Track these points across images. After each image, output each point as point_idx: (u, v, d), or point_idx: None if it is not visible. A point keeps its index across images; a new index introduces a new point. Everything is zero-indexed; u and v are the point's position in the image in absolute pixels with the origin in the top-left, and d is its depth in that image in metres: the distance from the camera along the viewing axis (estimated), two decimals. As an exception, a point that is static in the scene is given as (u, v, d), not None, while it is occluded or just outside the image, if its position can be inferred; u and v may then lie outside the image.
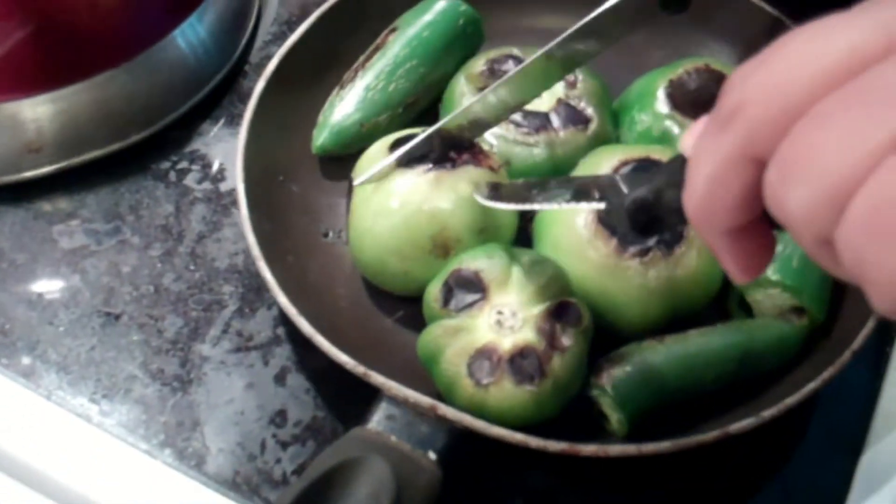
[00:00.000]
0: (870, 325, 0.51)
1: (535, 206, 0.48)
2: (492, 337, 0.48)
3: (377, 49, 0.61)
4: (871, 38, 0.26)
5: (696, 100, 0.58)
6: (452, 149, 0.54)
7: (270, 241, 0.53)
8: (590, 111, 0.59)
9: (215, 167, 0.63)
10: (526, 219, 0.56)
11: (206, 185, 0.62)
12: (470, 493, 0.52)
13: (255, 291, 0.58)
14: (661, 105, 0.58)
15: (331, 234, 0.59)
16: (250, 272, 0.58)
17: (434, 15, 0.61)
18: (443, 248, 0.53)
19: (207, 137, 0.65)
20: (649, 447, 0.47)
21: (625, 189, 0.41)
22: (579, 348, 0.49)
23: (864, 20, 0.27)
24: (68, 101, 0.61)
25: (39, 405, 0.53)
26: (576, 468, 0.52)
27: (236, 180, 0.55)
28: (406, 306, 0.55)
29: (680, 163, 0.34)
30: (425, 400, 0.46)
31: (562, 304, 0.49)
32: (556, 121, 0.58)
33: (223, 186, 0.62)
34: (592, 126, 0.58)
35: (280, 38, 0.69)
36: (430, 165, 0.53)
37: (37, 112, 0.60)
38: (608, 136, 0.59)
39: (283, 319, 0.56)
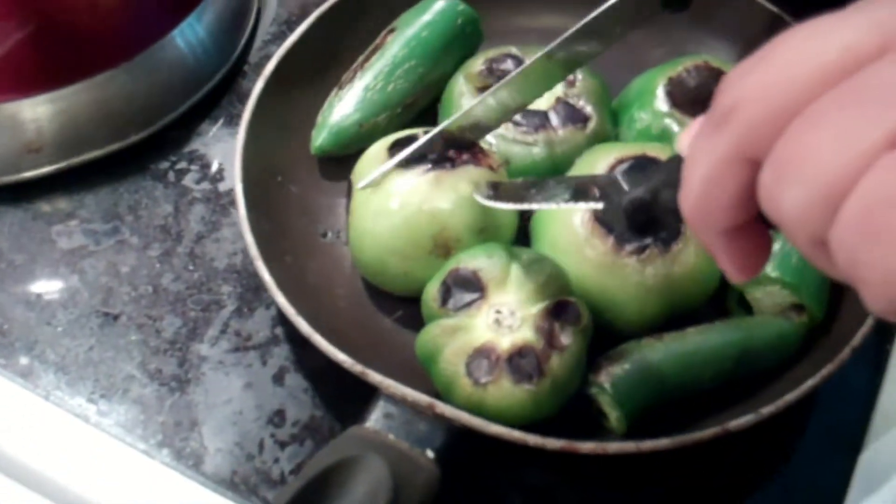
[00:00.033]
0: (869, 323, 0.51)
1: (535, 206, 0.48)
2: (490, 336, 0.48)
3: (376, 49, 0.61)
4: (866, 37, 0.26)
5: (695, 98, 0.58)
6: (452, 148, 0.54)
7: (269, 241, 0.53)
8: (589, 109, 0.59)
9: (214, 167, 0.63)
10: (525, 218, 0.56)
11: (205, 185, 0.62)
12: (468, 492, 0.52)
13: (253, 291, 0.58)
14: (661, 103, 0.58)
15: (329, 234, 0.59)
16: (249, 272, 0.58)
17: (433, 15, 0.61)
18: (443, 248, 0.53)
19: (206, 137, 0.65)
20: (648, 444, 0.47)
21: (626, 187, 0.40)
22: (578, 347, 0.49)
23: (858, 19, 0.27)
24: (68, 101, 0.61)
25: (37, 405, 0.53)
26: (574, 466, 0.52)
27: (235, 180, 0.55)
28: (405, 306, 0.55)
29: (677, 163, 0.34)
30: (423, 398, 0.46)
31: (561, 303, 0.49)
32: (555, 119, 0.58)
33: (222, 186, 0.62)
34: (591, 124, 0.58)
35: (279, 38, 0.69)
36: (430, 165, 0.53)
37: (36, 112, 0.61)
38: (607, 135, 0.59)
39: (282, 319, 0.56)
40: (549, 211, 0.54)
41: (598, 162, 0.54)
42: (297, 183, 0.59)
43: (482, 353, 0.48)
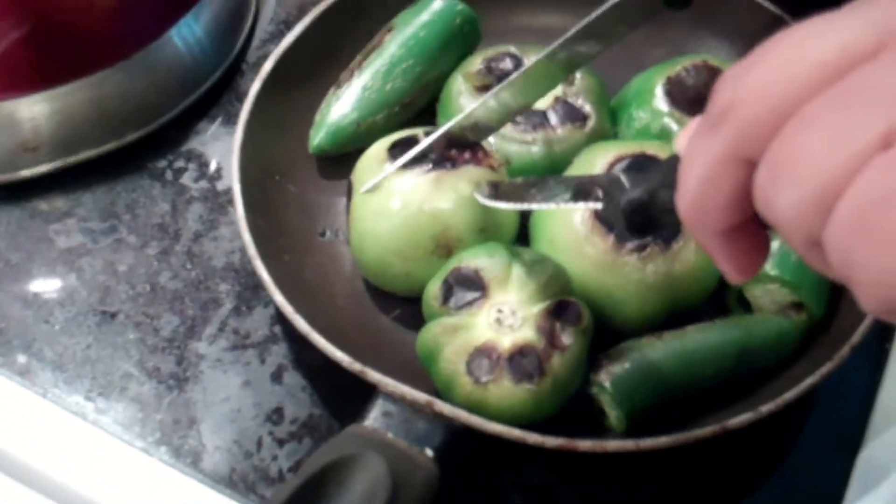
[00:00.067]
0: (868, 321, 0.51)
1: (535, 206, 0.48)
2: (491, 335, 0.48)
3: (374, 48, 0.61)
4: (862, 37, 0.26)
5: (694, 97, 0.58)
6: (453, 148, 0.54)
7: (267, 240, 0.53)
8: (588, 108, 0.59)
9: (212, 166, 0.63)
10: (526, 217, 0.56)
11: (203, 183, 0.62)
12: (467, 490, 0.52)
13: (251, 290, 0.58)
14: (660, 102, 0.58)
15: (328, 232, 0.59)
16: (247, 271, 0.58)
17: (431, 14, 0.61)
18: (445, 249, 0.53)
19: (204, 136, 0.65)
20: (647, 442, 0.47)
21: (627, 184, 0.40)
22: (579, 347, 0.49)
23: (854, 19, 0.27)
24: (65, 100, 0.61)
25: (35, 403, 0.53)
26: (573, 464, 0.52)
27: (232, 179, 0.54)
28: (404, 305, 0.55)
29: (675, 163, 0.34)
30: (422, 396, 0.46)
31: (562, 302, 0.49)
32: (553, 118, 0.58)
33: (220, 185, 0.62)
34: (590, 123, 0.58)
35: (277, 37, 0.69)
36: (431, 165, 0.53)
37: (33, 111, 0.60)
38: (606, 134, 0.59)
39: (280, 317, 0.56)
40: (548, 209, 0.54)
41: (597, 160, 0.54)
42: (295, 182, 0.59)
43: (483, 352, 0.48)
